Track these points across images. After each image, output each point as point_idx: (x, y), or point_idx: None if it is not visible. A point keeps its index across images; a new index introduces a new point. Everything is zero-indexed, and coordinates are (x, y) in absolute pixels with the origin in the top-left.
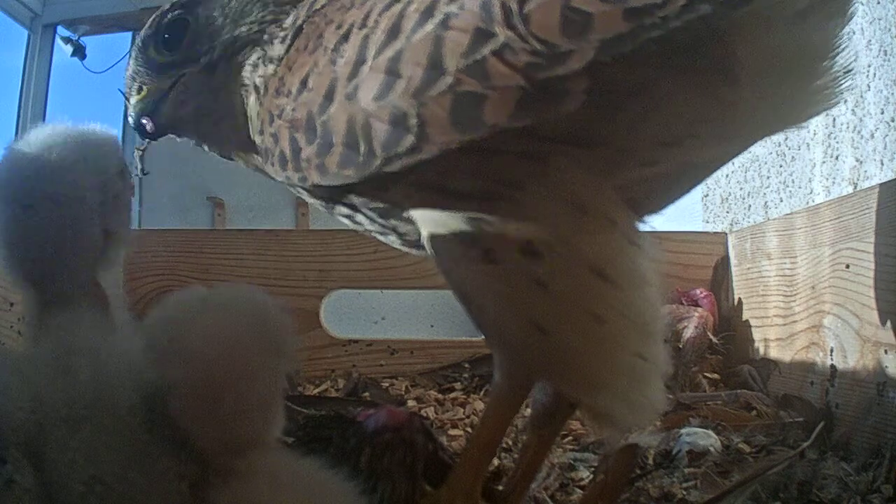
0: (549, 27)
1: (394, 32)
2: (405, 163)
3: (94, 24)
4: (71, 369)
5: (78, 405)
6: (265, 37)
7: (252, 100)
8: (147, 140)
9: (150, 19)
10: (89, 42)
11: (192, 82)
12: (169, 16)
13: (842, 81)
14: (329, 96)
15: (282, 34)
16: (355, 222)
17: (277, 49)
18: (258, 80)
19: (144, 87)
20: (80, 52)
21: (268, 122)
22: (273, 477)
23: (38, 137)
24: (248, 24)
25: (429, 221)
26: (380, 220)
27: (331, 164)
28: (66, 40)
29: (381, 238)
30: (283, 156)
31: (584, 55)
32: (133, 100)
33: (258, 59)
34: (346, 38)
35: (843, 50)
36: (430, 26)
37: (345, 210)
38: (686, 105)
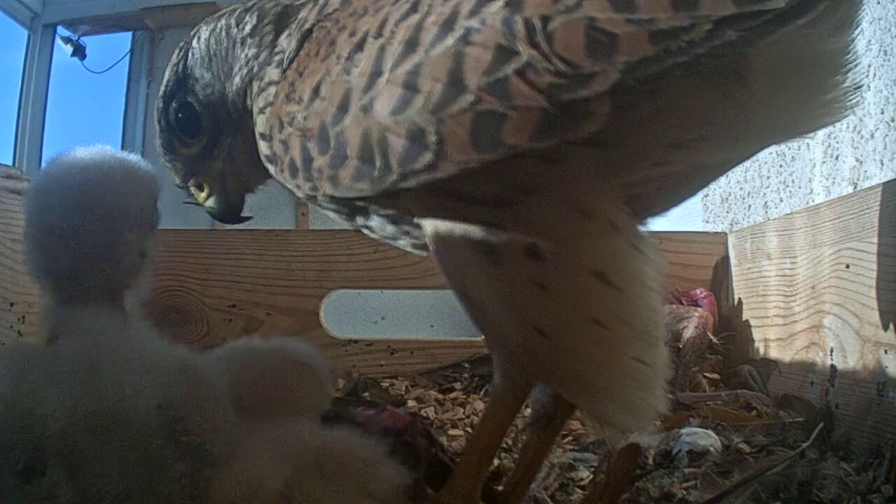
0: (573, 47)
1: (412, 45)
2: (421, 179)
3: (94, 24)
4: (98, 377)
5: (106, 415)
6: (257, 68)
7: (259, 118)
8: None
9: (157, 122)
10: (89, 42)
11: (233, 149)
12: (171, 109)
13: (851, 97)
14: (343, 107)
15: (277, 56)
16: (369, 229)
17: (274, 73)
18: (261, 103)
19: (203, 185)
20: (80, 52)
21: (277, 128)
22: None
23: (86, 154)
24: (239, 72)
25: (435, 223)
26: (391, 226)
27: (344, 176)
28: (66, 40)
29: (393, 242)
30: (293, 164)
31: (609, 77)
32: (204, 202)
33: (258, 88)
34: (360, 47)
35: (853, 67)
36: (450, 41)
37: (360, 220)
38: (698, 107)
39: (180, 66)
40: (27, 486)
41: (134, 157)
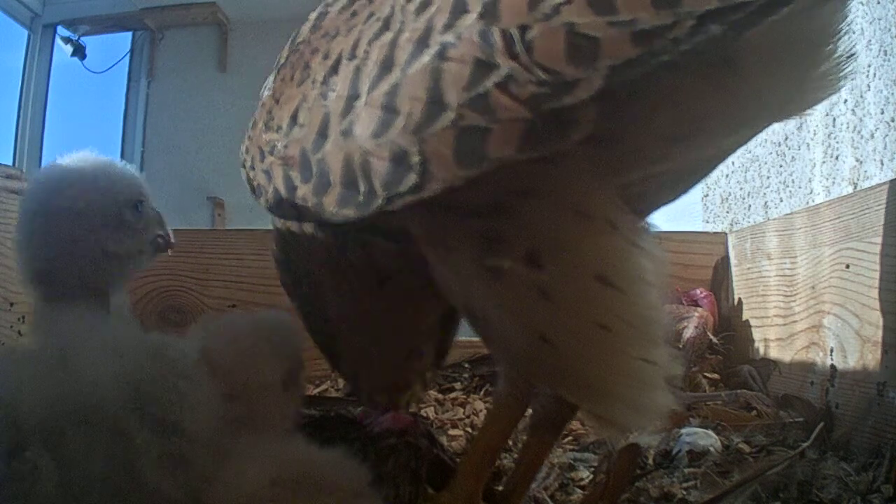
0: (554, 55)
1: (387, 65)
2: (408, 201)
3: (94, 24)
4: (76, 368)
5: (86, 404)
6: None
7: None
8: None
9: None
10: (89, 42)
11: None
12: None
13: (844, 66)
14: (323, 133)
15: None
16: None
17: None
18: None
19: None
20: (80, 52)
21: (258, 158)
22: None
23: (68, 159)
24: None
25: (431, 241)
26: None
27: (329, 203)
28: (66, 40)
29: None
30: (277, 194)
31: (593, 83)
32: None
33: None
34: (335, 69)
35: (844, 34)
36: (426, 58)
37: (356, 245)
38: (691, 97)
39: None
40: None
41: (114, 161)
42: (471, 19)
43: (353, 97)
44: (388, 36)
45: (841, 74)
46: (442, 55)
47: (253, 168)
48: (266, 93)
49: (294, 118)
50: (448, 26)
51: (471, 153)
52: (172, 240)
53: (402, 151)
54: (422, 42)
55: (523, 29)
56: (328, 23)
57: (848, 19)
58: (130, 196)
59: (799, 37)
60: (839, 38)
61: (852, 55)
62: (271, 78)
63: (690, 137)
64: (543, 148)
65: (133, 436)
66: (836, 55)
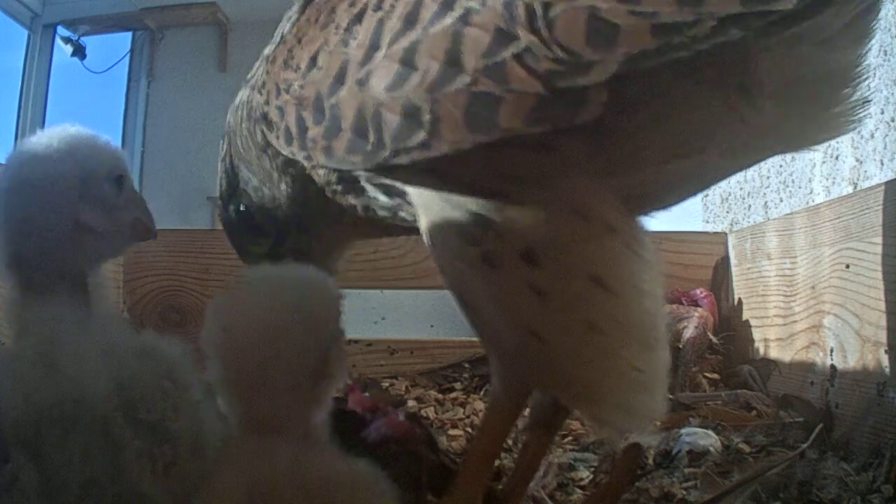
0: (573, 35)
1: (410, 21)
2: (414, 157)
3: (94, 24)
4: (56, 366)
5: (66, 403)
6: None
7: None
8: None
9: (224, 227)
10: (89, 42)
11: (301, 235)
12: (230, 212)
13: (858, 111)
14: (340, 79)
15: (287, 19)
16: (365, 207)
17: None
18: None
19: (258, 244)
20: (80, 52)
21: (274, 93)
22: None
23: (42, 134)
24: (276, 182)
25: (429, 211)
26: (383, 198)
27: (338, 148)
28: (66, 40)
29: (398, 212)
30: (288, 131)
31: (608, 68)
32: (258, 251)
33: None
34: (359, 18)
35: (864, 80)
36: (448, 20)
37: (349, 192)
38: (700, 117)
39: (227, 162)
40: None
41: (96, 134)
42: None
43: (373, 48)
44: None
45: (853, 118)
46: (465, 19)
47: (268, 103)
48: (287, 25)
49: (314, 60)
50: None
51: (481, 119)
52: (154, 228)
53: (414, 108)
54: (447, 4)
55: (547, 6)
56: None
57: (866, 64)
58: (110, 169)
59: (820, 76)
60: (858, 83)
61: (867, 101)
62: (295, 8)
63: (692, 153)
64: (551, 124)
65: (118, 439)
66: (852, 99)
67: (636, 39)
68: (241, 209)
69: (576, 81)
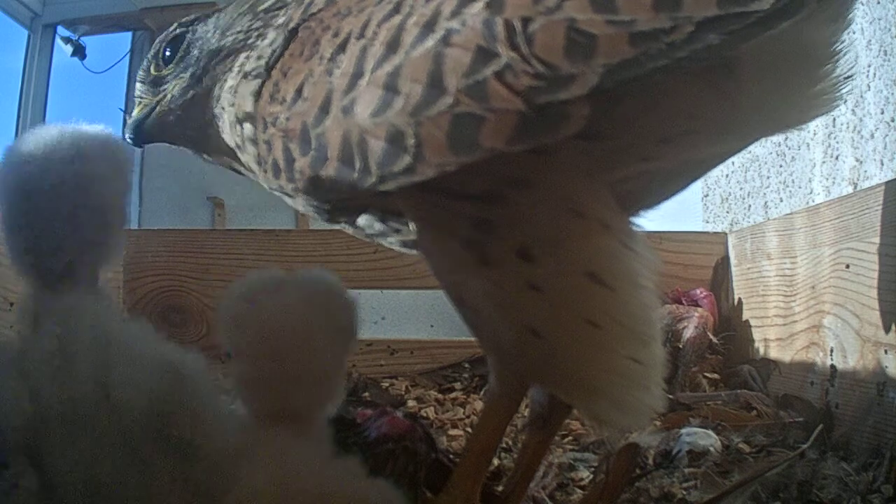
0: (552, 49)
1: (393, 46)
2: (401, 182)
3: (94, 24)
4: (72, 366)
5: (80, 405)
6: (248, 46)
7: (227, 104)
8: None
9: (157, 40)
10: (89, 42)
11: (178, 92)
12: (171, 34)
13: (841, 87)
14: (324, 108)
15: (268, 44)
16: (355, 227)
17: (258, 60)
18: (235, 87)
19: (141, 102)
20: (80, 52)
21: (261, 128)
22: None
23: (41, 133)
24: (234, 33)
25: (423, 221)
26: (379, 224)
27: (325, 177)
28: (66, 40)
29: (381, 240)
30: (276, 165)
31: (588, 80)
32: (132, 115)
33: (239, 66)
34: (343, 48)
35: (844, 55)
36: (430, 42)
37: (342, 217)
38: (686, 100)
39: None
40: None
41: (94, 128)
42: (477, 8)
43: (357, 75)
44: (397, 19)
45: (837, 95)
46: (446, 40)
47: (255, 139)
48: (271, 59)
49: (299, 92)
50: (455, 13)
51: (464, 140)
52: None
53: (398, 132)
54: (428, 27)
55: (526, 21)
56: (342, 1)
57: (848, 41)
58: (117, 164)
59: (798, 53)
60: (838, 59)
61: (850, 77)
62: (279, 42)
63: (683, 139)
64: (534, 141)
65: (145, 452)
66: (834, 75)
67: (614, 49)
68: (182, 35)
69: (556, 96)
